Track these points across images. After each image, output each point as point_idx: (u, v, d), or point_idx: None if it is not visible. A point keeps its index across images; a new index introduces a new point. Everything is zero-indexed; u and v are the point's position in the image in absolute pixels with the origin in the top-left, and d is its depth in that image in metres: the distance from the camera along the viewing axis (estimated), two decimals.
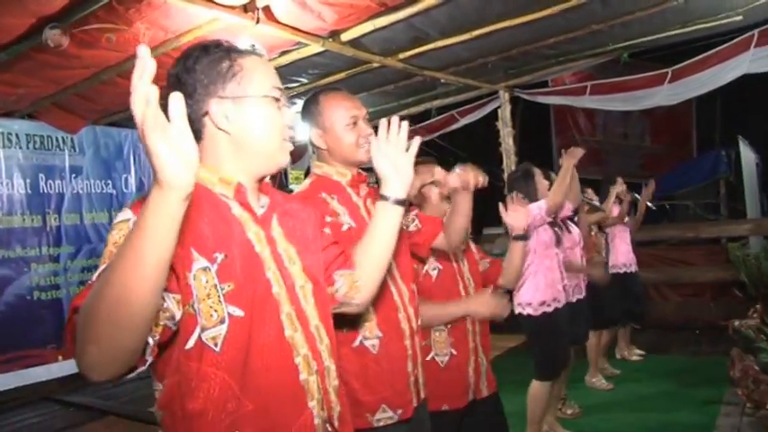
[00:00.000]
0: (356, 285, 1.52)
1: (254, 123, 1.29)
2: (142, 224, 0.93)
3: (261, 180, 1.37)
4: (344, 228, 1.87)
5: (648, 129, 11.76)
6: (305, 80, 5.62)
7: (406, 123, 1.54)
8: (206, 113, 1.28)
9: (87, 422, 4.97)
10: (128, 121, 5.95)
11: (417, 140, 1.57)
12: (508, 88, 6.87)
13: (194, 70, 1.27)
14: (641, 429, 3.99)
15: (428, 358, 2.36)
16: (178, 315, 1.13)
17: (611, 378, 5.09)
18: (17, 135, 5.77)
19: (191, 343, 1.16)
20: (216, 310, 1.17)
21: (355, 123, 1.95)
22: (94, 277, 1.05)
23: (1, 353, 5.45)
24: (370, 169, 2.11)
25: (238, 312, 1.18)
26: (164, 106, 0.92)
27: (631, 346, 5.74)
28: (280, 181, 8.13)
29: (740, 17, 4.82)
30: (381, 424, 1.85)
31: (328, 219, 1.84)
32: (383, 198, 1.54)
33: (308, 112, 1.99)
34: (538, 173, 3.72)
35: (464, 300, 2.43)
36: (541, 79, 7.00)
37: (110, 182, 6.48)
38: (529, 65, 6.14)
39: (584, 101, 6.74)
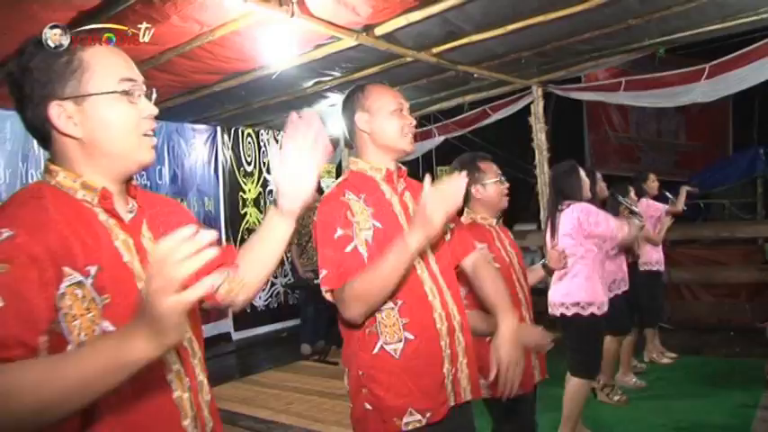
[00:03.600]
0: (239, 286, 1.43)
1: (102, 124, 1.16)
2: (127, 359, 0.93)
3: (128, 181, 1.25)
4: (351, 245, 1.83)
5: (684, 126, 11.55)
6: (338, 74, 5.63)
7: (316, 118, 1.39)
8: (47, 118, 1.15)
9: None
10: (162, 113, 6.02)
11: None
12: (541, 84, 6.80)
13: (29, 69, 1.14)
14: (673, 431, 3.93)
15: None
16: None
17: (641, 375, 5.06)
18: None
19: None
20: (98, 324, 1.09)
21: (401, 111, 2.00)
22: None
23: None
24: (404, 162, 2.12)
25: (110, 328, 1.10)
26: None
27: (662, 348, 5.61)
28: None
29: None
30: (410, 428, 1.79)
31: (340, 231, 1.82)
32: (276, 205, 1.43)
33: (353, 99, 2.04)
34: (581, 170, 3.69)
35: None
36: (575, 75, 6.92)
37: (144, 173, 6.54)
38: (562, 60, 6.06)
39: (619, 97, 6.62)
